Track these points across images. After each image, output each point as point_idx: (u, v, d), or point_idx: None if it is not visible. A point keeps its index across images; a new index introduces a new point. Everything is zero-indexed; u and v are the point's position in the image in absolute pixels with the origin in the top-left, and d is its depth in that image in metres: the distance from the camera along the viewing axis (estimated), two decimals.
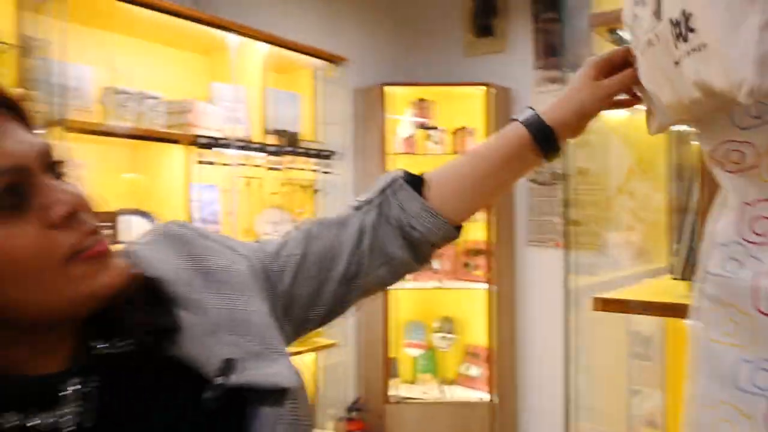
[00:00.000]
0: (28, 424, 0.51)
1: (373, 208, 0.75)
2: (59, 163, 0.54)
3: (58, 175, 0.53)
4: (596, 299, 1.16)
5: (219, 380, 0.59)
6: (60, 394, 0.53)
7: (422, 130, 3.57)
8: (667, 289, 1.15)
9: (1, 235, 0.47)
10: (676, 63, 0.65)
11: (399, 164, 3.54)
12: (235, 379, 0.59)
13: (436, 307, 3.77)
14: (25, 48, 2.08)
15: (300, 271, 0.72)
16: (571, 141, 0.79)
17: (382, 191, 0.76)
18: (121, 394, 0.57)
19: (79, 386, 0.54)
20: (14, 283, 0.48)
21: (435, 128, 3.58)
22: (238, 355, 0.61)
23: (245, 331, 0.63)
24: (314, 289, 0.72)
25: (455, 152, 3.58)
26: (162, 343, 0.59)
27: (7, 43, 2.03)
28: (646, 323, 1.71)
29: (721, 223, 0.73)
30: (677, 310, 0.94)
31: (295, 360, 0.66)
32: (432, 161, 3.63)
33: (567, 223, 3.44)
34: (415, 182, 0.77)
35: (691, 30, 0.60)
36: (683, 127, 1.22)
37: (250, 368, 0.61)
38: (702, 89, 0.61)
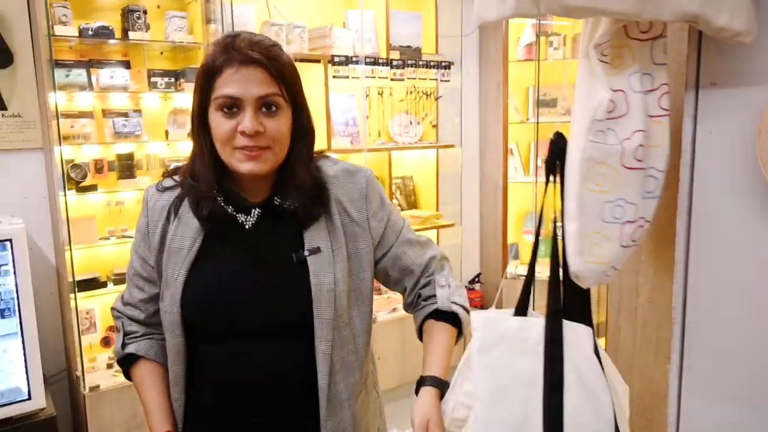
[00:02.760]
0: (230, 211, 1.08)
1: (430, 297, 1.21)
2: (271, 104, 0.99)
3: (269, 111, 0.99)
4: None
5: (306, 254, 1.07)
6: (253, 209, 1.08)
7: (543, 37, 3.85)
8: None
9: (222, 121, 0.99)
10: None
11: (519, 71, 3.89)
12: (310, 262, 1.06)
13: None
14: None
15: (387, 261, 1.19)
16: None
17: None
18: (269, 223, 1.09)
19: (258, 210, 1.08)
20: (217, 143, 1.01)
21: (556, 35, 3.84)
22: (325, 250, 1.07)
23: (342, 241, 1.10)
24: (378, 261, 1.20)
25: (574, 57, 3.83)
26: (308, 212, 1.08)
27: None
28: None
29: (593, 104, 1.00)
30: None
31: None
32: (553, 66, 3.93)
33: None
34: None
35: None
36: None
37: (322, 262, 1.06)
38: None
